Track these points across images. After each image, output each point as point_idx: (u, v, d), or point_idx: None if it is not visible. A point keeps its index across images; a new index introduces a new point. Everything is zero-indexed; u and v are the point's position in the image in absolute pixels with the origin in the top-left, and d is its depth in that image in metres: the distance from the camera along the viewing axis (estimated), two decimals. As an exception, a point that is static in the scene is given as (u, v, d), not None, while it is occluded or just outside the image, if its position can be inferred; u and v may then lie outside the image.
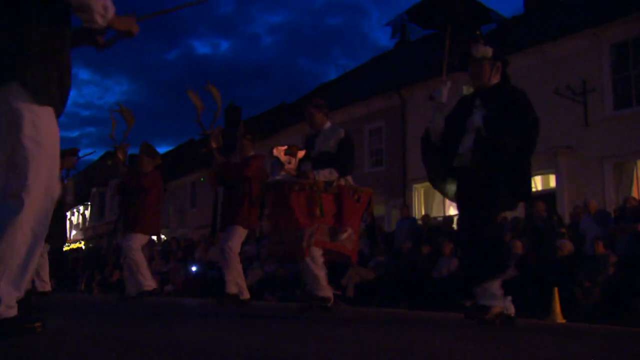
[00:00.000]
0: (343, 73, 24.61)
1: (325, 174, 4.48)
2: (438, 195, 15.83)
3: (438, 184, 3.90)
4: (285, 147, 4.61)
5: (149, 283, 6.61)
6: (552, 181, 13.58)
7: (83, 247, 28.22)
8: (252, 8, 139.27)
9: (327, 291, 4.48)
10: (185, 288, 11.89)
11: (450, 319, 4.70)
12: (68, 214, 44.82)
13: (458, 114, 3.73)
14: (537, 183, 14.23)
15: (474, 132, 3.52)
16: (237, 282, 5.63)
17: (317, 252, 4.47)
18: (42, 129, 2.19)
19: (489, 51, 3.63)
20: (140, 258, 6.56)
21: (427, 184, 15.77)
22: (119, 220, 7.00)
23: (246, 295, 5.72)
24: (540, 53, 13.55)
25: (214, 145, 5.77)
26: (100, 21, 2.32)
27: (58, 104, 2.28)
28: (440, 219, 13.62)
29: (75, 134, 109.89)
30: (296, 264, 4.56)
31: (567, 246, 7.99)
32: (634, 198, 9.26)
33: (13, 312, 2.15)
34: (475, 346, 2.45)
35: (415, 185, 16.10)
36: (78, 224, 42.12)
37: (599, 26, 12.57)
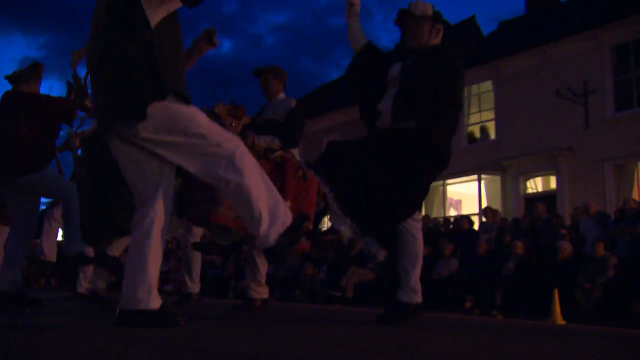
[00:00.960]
0: (340, 75, 24.61)
1: (267, 140, 4.16)
2: (438, 196, 15.85)
3: (363, 117, 3.51)
4: (230, 106, 4.29)
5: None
6: (553, 182, 13.59)
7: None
8: (255, 8, 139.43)
9: (262, 290, 4.32)
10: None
11: (450, 319, 4.70)
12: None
13: (382, 65, 3.44)
14: (538, 184, 14.24)
15: (393, 84, 3.27)
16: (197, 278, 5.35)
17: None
18: (201, 119, 2.59)
19: (429, 9, 3.37)
20: None
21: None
22: None
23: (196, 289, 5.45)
24: (541, 54, 13.56)
25: None
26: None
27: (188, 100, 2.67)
28: (441, 219, 13.62)
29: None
30: (204, 228, 4.30)
31: (567, 247, 7.99)
32: (634, 200, 9.26)
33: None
34: (474, 347, 2.45)
35: (415, 186, 16.09)
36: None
37: (600, 28, 12.58)
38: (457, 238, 9.96)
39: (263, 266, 4.42)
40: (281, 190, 4.03)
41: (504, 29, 17.65)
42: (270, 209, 2.60)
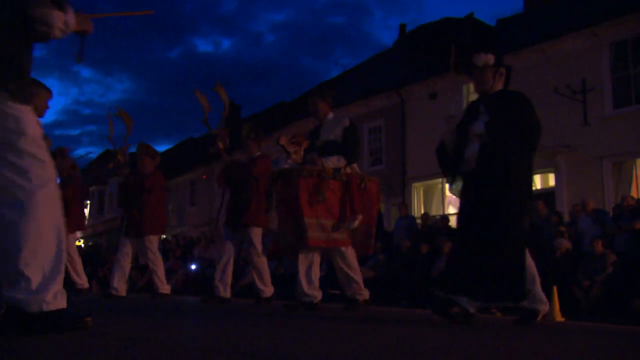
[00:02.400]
0: (343, 71, 24.61)
1: (334, 161, 4.49)
2: (437, 194, 15.87)
3: (455, 191, 4.08)
4: (291, 136, 4.60)
5: (165, 287, 6.79)
6: (552, 180, 13.60)
7: (82, 244, 28.23)
8: (255, 6, 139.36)
9: (365, 293, 4.68)
10: (184, 286, 11.91)
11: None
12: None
13: (465, 120, 3.90)
14: (537, 182, 14.24)
15: (478, 138, 3.67)
16: (269, 281, 5.90)
17: (351, 253, 4.58)
18: (28, 127, 2.26)
19: (490, 59, 3.77)
20: (159, 258, 6.75)
21: (426, 182, 15.79)
22: (123, 221, 7.05)
23: (271, 292, 5.95)
24: (540, 52, 13.56)
25: (221, 145, 5.83)
26: (59, 36, 2.37)
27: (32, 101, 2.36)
28: (439, 217, 13.63)
29: (76, 132, 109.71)
30: (296, 257, 4.62)
31: (566, 245, 8.00)
32: (632, 197, 9.28)
33: (62, 303, 2.21)
34: (473, 344, 2.46)
35: (414, 184, 16.11)
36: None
37: (599, 25, 12.58)
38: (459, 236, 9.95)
39: (358, 274, 4.76)
40: (352, 205, 4.47)
41: (503, 27, 17.65)
42: (45, 270, 2.20)
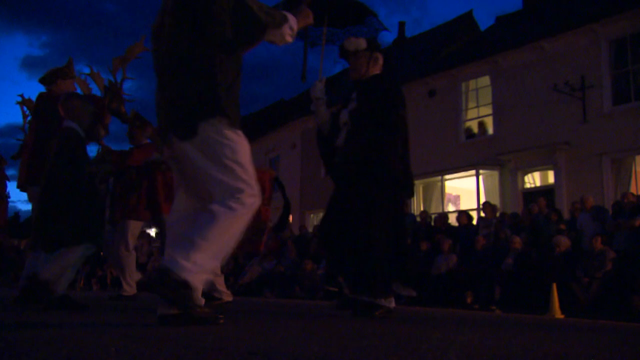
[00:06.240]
0: (342, 69, 24.58)
1: None
2: (437, 192, 15.87)
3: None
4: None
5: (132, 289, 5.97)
6: (551, 177, 13.61)
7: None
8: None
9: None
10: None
11: (449, 314, 4.71)
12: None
13: (339, 107, 3.70)
14: (536, 179, 14.26)
15: (345, 127, 3.53)
16: (133, 280, 5.30)
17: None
18: (240, 151, 2.54)
19: (362, 43, 3.59)
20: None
21: (426, 180, 15.70)
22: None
23: (133, 291, 5.32)
24: (538, 49, 13.56)
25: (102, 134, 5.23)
26: (291, 40, 2.70)
27: (240, 125, 2.61)
28: (438, 215, 13.64)
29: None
30: None
31: (565, 242, 8.01)
32: (632, 194, 9.27)
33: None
34: (473, 342, 2.46)
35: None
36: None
37: (598, 22, 12.58)
38: (455, 233, 9.97)
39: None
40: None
41: (502, 24, 17.64)
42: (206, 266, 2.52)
